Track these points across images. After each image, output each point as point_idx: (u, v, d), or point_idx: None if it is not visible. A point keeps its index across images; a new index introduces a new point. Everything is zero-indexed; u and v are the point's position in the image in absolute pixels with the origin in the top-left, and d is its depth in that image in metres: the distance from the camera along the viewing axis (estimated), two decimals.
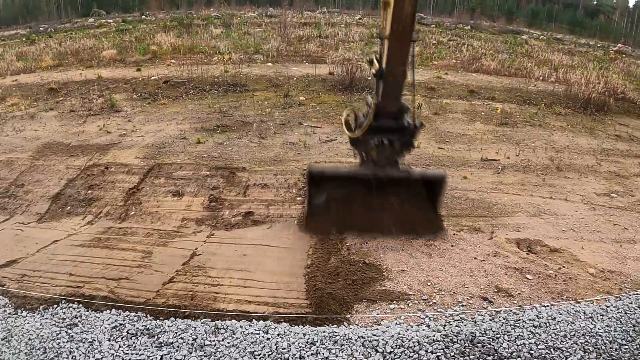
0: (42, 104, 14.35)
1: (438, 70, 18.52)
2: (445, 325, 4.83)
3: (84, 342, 4.46)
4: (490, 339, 4.68)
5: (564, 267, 6.40)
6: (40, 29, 32.82)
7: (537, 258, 6.65)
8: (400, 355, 4.31)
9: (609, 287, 5.94)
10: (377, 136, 6.53)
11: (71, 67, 19.31)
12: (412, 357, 4.32)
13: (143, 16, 35.83)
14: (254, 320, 4.67)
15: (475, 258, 6.50)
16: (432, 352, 4.40)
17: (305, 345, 4.30)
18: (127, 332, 4.57)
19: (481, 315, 5.07)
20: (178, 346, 4.30)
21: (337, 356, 4.20)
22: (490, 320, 5.01)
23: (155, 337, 4.46)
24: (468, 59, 21.74)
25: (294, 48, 21.80)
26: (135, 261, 6.08)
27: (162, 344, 4.35)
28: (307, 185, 6.91)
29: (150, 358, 4.21)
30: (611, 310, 5.35)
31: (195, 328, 4.54)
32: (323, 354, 4.21)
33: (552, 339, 4.77)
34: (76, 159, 10.03)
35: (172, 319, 4.74)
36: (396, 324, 4.78)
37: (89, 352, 4.34)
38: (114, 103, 13.52)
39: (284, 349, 4.26)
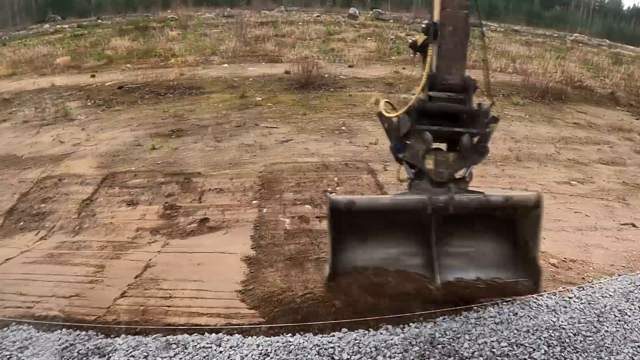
0: None
1: (395, 65, 18.59)
2: (404, 328, 4.72)
3: None
4: (451, 340, 4.60)
5: None
6: None
7: None
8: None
9: (571, 277, 5.92)
10: (433, 125, 4.55)
11: (25, 75, 18.95)
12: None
13: (99, 20, 35.34)
14: (205, 333, 4.59)
15: None
16: (389, 357, 4.34)
17: (259, 357, 4.24)
18: (77, 352, 4.44)
19: (442, 315, 4.96)
20: None
21: None
22: (450, 320, 4.91)
23: (106, 356, 4.34)
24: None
25: (250, 48, 21.71)
26: (87, 277, 5.94)
27: None
28: (329, 226, 4.42)
29: None
30: (574, 301, 5.33)
31: (146, 344, 4.44)
32: None
33: (515, 335, 4.65)
34: (29, 171, 9.83)
35: (124, 336, 4.62)
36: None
37: None
38: (67, 112, 13.29)
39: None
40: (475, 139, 4.63)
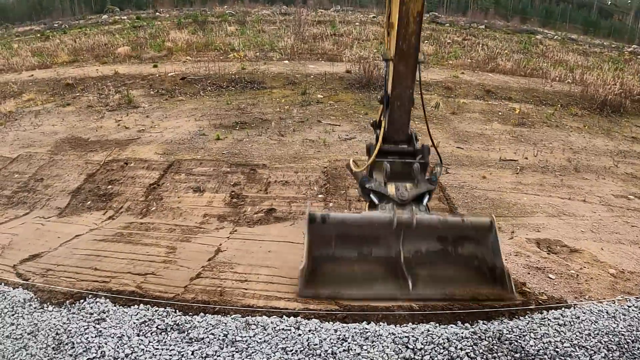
0: (58, 99, 14.39)
1: (454, 70, 18.43)
2: (472, 324, 4.75)
3: (113, 337, 4.40)
4: (517, 337, 4.62)
5: (584, 267, 6.30)
6: (55, 25, 32.88)
7: (558, 258, 6.55)
8: (430, 352, 4.29)
9: (629, 287, 5.85)
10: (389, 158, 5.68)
11: (86, 63, 19.33)
12: (441, 353, 4.29)
13: (157, 13, 35.88)
14: (284, 316, 4.60)
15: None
16: (460, 349, 4.37)
17: (337, 341, 4.27)
18: (156, 327, 4.51)
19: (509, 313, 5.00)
20: (209, 342, 4.25)
21: (368, 352, 4.16)
22: (516, 318, 4.93)
23: (186, 332, 4.40)
24: (484, 59, 21.62)
25: (308, 46, 21.74)
26: (160, 256, 6.04)
27: (193, 340, 4.29)
28: (306, 234, 5.20)
29: (181, 353, 4.15)
30: (633, 310, 5.24)
31: (225, 324, 4.48)
32: (355, 350, 4.17)
33: (577, 337, 4.71)
34: (95, 154, 10.04)
35: (202, 314, 4.67)
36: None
37: (118, 347, 4.28)
38: (131, 99, 13.52)
39: (316, 344, 4.23)
40: (427, 174, 5.73)
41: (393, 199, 5.47)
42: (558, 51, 27.26)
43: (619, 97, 15.42)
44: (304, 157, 9.48)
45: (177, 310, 4.77)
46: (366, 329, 4.45)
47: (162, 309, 4.79)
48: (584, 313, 5.10)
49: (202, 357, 4.09)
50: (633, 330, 4.88)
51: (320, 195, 7.95)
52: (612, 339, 4.70)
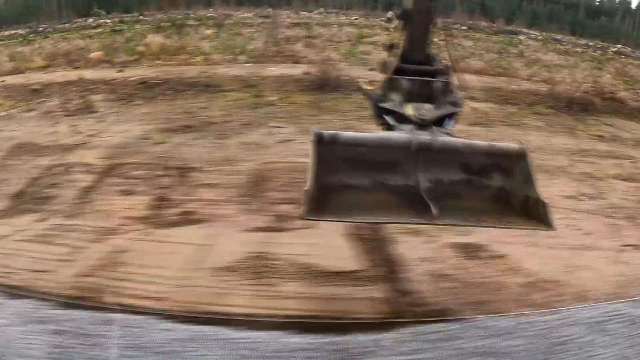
0: (24, 104, 14.71)
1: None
2: (312, 333, 4.74)
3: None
4: (360, 354, 4.47)
5: (500, 275, 6.11)
6: (40, 29, 33.24)
7: (475, 264, 6.36)
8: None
9: (540, 299, 5.62)
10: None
11: (59, 68, 19.67)
12: None
13: (141, 16, 36.19)
14: (138, 314, 4.99)
15: (405, 263, 6.34)
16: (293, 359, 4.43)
17: (172, 341, 4.60)
18: (31, 318, 4.96)
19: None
20: (73, 334, 4.66)
21: (210, 353, 4.46)
22: (384, 331, 4.78)
23: (56, 324, 4.83)
24: (453, 59, 21.82)
25: (279, 48, 22.05)
26: (64, 255, 6.42)
27: (59, 332, 4.70)
28: (312, 155, 4.34)
29: (42, 341, 4.56)
30: (533, 326, 4.96)
31: (84, 318, 4.90)
32: (201, 351, 4.49)
33: (443, 357, 4.47)
34: (44, 158, 10.34)
35: (75, 309, 5.10)
36: None
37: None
38: (90, 104, 13.86)
39: (161, 343, 4.57)
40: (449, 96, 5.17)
41: (412, 120, 4.83)
42: (537, 51, 27.41)
43: (589, 95, 15.55)
44: (237, 160, 9.78)
45: (56, 305, 5.18)
46: (218, 331, 4.75)
47: (41, 302, 5.22)
48: (477, 327, 4.88)
49: (62, 347, 4.49)
50: (520, 350, 4.62)
51: (240, 198, 8.26)
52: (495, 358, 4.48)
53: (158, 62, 19.16)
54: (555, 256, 6.68)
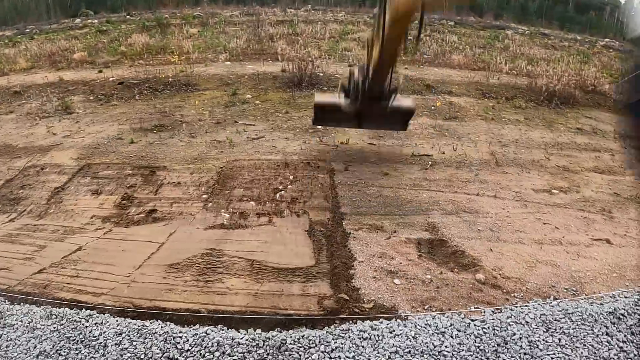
0: (4, 107, 14.87)
1: (397, 66, 18.66)
2: (257, 330, 4.89)
3: None
4: (301, 348, 4.60)
5: (452, 271, 6.18)
6: (26, 30, 33.32)
7: (428, 261, 6.46)
8: (195, 354, 4.61)
9: (493, 296, 5.68)
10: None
11: (42, 69, 19.77)
12: (205, 357, 4.57)
13: (128, 16, 36.28)
14: (83, 309, 5.20)
15: (356, 259, 6.47)
16: (229, 355, 4.56)
17: (114, 336, 4.78)
18: None
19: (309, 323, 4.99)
20: (16, 327, 4.90)
21: (135, 348, 4.63)
22: (311, 328, 4.91)
23: (3, 318, 5.09)
24: (436, 53, 21.94)
25: (261, 46, 22.16)
26: (25, 254, 6.64)
27: (5, 325, 4.97)
28: (314, 108, 10.01)
29: None
30: (477, 324, 4.98)
31: (34, 313, 5.12)
32: (124, 345, 4.67)
33: (377, 355, 4.53)
34: (18, 160, 10.54)
35: (22, 304, 5.33)
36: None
37: None
38: (68, 105, 14.00)
39: (94, 336, 4.77)
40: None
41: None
42: (522, 45, 27.41)
43: (570, 88, 15.49)
44: (205, 158, 9.97)
45: (6, 300, 5.46)
46: (145, 325, 4.92)
47: None
48: (405, 326, 4.88)
49: (6, 340, 4.75)
50: (462, 349, 4.63)
51: (204, 196, 8.46)
52: (426, 358, 4.49)
53: (140, 61, 19.26)
54: (519, 251, 6.75)
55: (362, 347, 4.63)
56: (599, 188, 9.28)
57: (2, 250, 6.85)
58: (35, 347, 4.61)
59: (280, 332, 4.87)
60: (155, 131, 11.65)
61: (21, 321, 5.01)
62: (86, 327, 4.89)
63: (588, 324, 5.09)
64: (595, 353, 4.69)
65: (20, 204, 8.70)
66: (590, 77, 17.37)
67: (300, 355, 4.56)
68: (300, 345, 4.66)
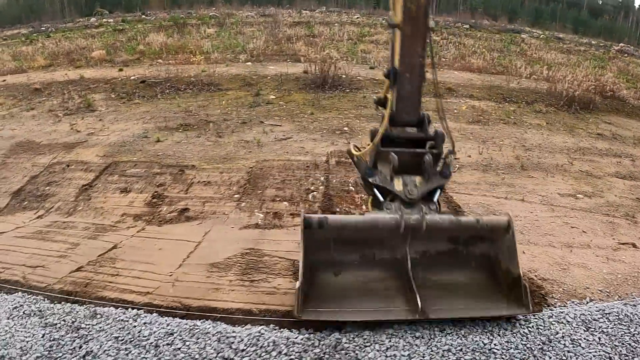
0: (25, 103, 14.84)
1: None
2: (309, 329, 4.72)
3: None
4: (357, 347, 4.49)
5: None
6: (42, 28, 33.42)
7: None
8: (251, 354, 4.43)
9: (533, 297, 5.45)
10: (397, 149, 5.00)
11: (61, 67, 19.80)
12: (261, 356, 4.39)
13: (143, 16, 36.37)
14: (129, 308, 5.06)
15: None
16: (285, 354, 4.40)
17: (165, 335, 4.62)
18: (23, 312, 5.04)
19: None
20: (59, 327, 4.74)
21: (189, 348, 4.47)
22: (362, 328, 4.73)
23: (44, 317, 4.91)
24: (454, 57, 21.87)
25: (279, 47, 22.14)
26: (59, 252, 6.49)
27: (47, 325, 4.80)
28: (301, 243, 4.73)
29: (35, 335, 4.65)
30: (521, 324, 4.86)
31: (77, 312, 4.97)
32: (177, 344, 4.51)
33: (431, 353, 4.40)
34: (43, 157, 10.47)
35: (63, 303, 5.19)
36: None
37: None
38: (90, 103, 13.97)
39: (145, 336, 4.62)
40: (439, 165, 5.08)
41: (400, 197, 4.93)
42: (539, 50, 27.32)
43: (589, 94, 15.42)
44: (233, 158, 9.86)
45: (45, 299, 5.31)
46: (196, 325, 4.78)
47: (34, 296, 5.36)
48: (455, 325, 4.78)
49: (49, 340, 4.57)
50: (510, 348, 4.52)
51: (236, 196, 8.33)
52: (478, 358, 4.39)
53: (159, 61, 19.27)
54: (550, 254, 6.63)
55: (416, 345, 4.53)
56: (622, 193, 9.17)
57: (35, 247, 6.71)
58: (80, 347, 4.45)
59: (333, 331, 4.70)
60: (181, 130, 11.56)
61: (64, 320, 4.84)
62: (134, 326, 4.73)
63: (624, 323, 5.09)
64: (632, 351, 4.68)
65: (47, 200, 8.60)
66: (609, 82, 17.22)
67: (356, 354, 4.42)
68: (356, 344, 4.53)
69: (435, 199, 5.09)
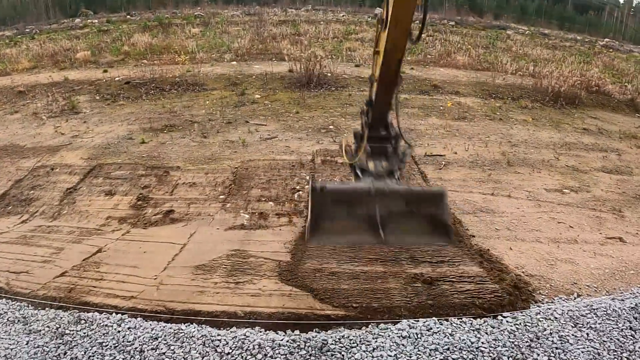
0: (9, 106, 14.70)
1: (403, 66, 18.56)
2: (295, 330, 4.81)
3: None
4: (343, 348, 4.54)
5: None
6: (26, 30, 33.11)
7: None
8: (236, 357, 4.46)
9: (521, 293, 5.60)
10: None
11: (45, 69, 19.62)
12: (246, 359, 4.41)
13: (128, 16, 36.11)
14: (113, 313, 5.05)
15: None
16: (271, 357, 4.44)
17: (149, 340, 4.63)
18: (7, 319, 5.05)
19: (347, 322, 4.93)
20: (43, 333, 4.73)
21: (174, 352, 4.48)
22: (349, 328, 4.86)
23: (28, 324, 4.91)
24: (440, 54, 21.87)
25: (264, 46, 22.06)
26: (43, 257, 6.47)
27: (31, 331, 4.79)
28: (310, 199, 6.54)
29: (18, 342, 4.65)
30: (508, 321, 5.00)
31: (61, 318, 4.95)
32: (161, 349, 4.52)
33: (418, 352, 4.50)
34: (27, 160, 10.39)
35: (47, 309, 5.18)
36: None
37: None
38: (74, 105, 13.87)
39: (129, 341, 4.61)
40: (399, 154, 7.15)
41: (372, 173, 6.86)
42: (525, 46, 27.38)
43: (575, 89, 15.50)
44: (218, 158, 9.83)
45: (29, 305, 5.30)
46: (181, 329, 4.78)
47: (18, 303, 5.34)
48: (441, 324, 4.92)
49: (33, 347, 4.57)
50: (498, 345, 4.64)
51: (221, 196, 8.31)
52: (465, 356, 4.50)
53: (144, 61, 19.12)
54: (538, 250, 6.73)
55: (403, 345, 4.60)
56: (608, 188, 9.25)
57: (19, 252, 6.67)
58: (65, 353, 4.45)
59: (319, 332, 4.78)
60: (166, 131, 11.52)
61: (48, 327, 4.84)
62: (119, 332, 4.73)
63: (612, 319, 5.17)
64: (621, 347, 4.75)
65: (31, 204, 8.54)
66: (594, 77, 17.29)
67: (343, 355, 4.47)
68: (342, 345, 4.59)
69: (396, 177, 6.97)
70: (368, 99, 7.12)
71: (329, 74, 15.99)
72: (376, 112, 6.91)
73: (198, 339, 4.63)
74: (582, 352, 4.62)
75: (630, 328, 5.08)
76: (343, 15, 35.28)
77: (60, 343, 4.57)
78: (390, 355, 4.46)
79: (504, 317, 5.04)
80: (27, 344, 4.60)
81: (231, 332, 4.77)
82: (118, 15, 36.96)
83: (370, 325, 4.89)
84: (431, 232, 6.62)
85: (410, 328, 4.82)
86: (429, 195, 7.01)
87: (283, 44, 22.30)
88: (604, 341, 4.81)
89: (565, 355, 4.58)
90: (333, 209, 6.62)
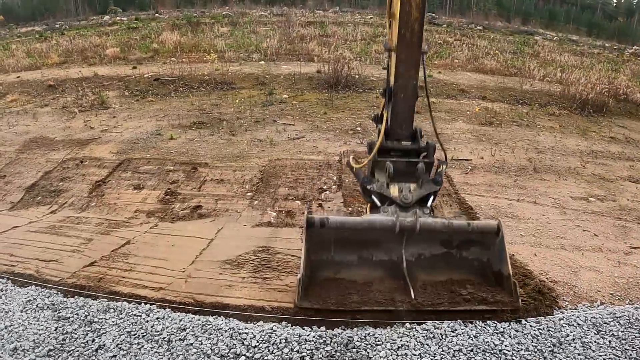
0: (39, 100, 14.93)
1: (430, 70, 18.57)
2: (322, 326, 4.77)
3: (1, 312, 5.01)
4: (368, 346, 4.50)
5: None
6: (56, 26, 33.60)
7: None
8: (262, 351, 4.44)
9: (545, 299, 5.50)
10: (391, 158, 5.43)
11: (75, 64, 19.88)
12: (273, 353, 4.41)
13: (157, 14, 36.48)
14: (142, 303, 5.08)
15: None
16: (297, 352, 4.42)
17: (178, 331, 4.65)
18: (36, 305, 5.10)
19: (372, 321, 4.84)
20: (72, 320, 4.78)
21: (201, 343, 4.49)
22: (374, 327, 4.78)
23: (57, 311, 4.96)
24: (467, 58, 21.76)
25: (293, 47, 22.13)
26: (72, 246, 6.54)
27: (60, 318, 4.85)
28: (304, 240, 5.07)
29: (47, 328, 4.70)
30: (531, 325, 4.92)
31: (90, 306, 5.01)
32: (189, 340, 4.53)
33: (442, 352, 4.45)
34: (56, 152, 10.51)
35: (77, 297, 5.24)
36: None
37: (1, 319, 4.90)
38: (104, 100, 14.03)
39: (157, 331, 4.64)
40: (432, 173, 5.44)
41: (396, 201, 5.25)
42: (552, 52, 27.13)
43: (603, 97, 15.28)
44: (246, 156, 9.86)
45: (58, 292, 5.37)
46: (209, 321, 4.80)
47: (47, 290, 5.42)
48: (466, 326, 4.84)
49: (62, 333, 4.61)
50: (521, 349, 4.58)
51: (248, 194, 8.33)
52: (488, 358, 4.43)
53: (173, 59, 19.31)
54: (562, 257, 6.61)
55: (427, 345, 4.57)
56: (635, 197, 9.04)
57: (48, 241, 6.75)
58: (93, 340, 4.48)
59: (344, 329, 4.74)
60: (195, 128, 11.59)
61: (77, 314, 4.89)
62: (147, 321, 4.76)
63: (635, 327, 5.10)
64: None
65: (60, 195, 8.64)
66: (622, 85, 17.07)
67: (368, 353, 4.45)
68: (367, 342, 4.56)
69: (429, 204, 5.36)
70: (383, 87, 5.52)
71: (357, 76, 15.99)
72: (398, 103, 5.27)
73: (225, 332, 4.64)
74: (604, 359, 4.58)
75: None
76: (370, 18, 35.25)
77: (88, 330, 4.61)
78: (415, 354, 4.43)
79: (528, 321, 5.00)
80: (55, 330, 4.65)
81: (258, 325, 4.78)
82: (147, 14, 37.36)
83: (395, 325, 4.85)
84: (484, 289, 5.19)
85: (435, 329, 4.78)
86: (478, 232, 5.31)
87: (311, 45, 22.33)
88: (626, 349, 4.75)
89: None
90: (338, 252, 5.33)
